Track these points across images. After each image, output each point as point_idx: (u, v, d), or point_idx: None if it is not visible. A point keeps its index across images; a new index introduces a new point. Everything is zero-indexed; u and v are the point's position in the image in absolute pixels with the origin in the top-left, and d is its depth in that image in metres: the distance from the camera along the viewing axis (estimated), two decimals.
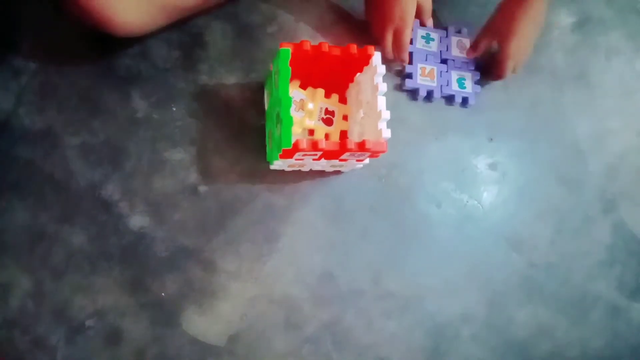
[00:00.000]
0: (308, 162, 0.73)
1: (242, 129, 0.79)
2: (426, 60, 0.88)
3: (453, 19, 0.93)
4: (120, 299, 0.72)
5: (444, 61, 0.89)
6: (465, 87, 0.88)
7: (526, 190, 0.90)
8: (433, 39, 0.89)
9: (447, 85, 0.87)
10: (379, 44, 0.83)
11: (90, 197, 0.73)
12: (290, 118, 0.64)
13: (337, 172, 0.81)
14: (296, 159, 0.70)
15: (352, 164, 0.76)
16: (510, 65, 0.86)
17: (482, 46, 0.88)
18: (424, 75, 0.86)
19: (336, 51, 0.69)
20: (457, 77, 0.88)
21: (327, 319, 0.78)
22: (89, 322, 0.71)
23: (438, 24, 0.91)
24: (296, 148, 0.64)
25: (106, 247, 0.73)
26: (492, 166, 0.89)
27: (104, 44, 0.77)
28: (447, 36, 0.90)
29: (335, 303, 0.78)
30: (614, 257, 0.92)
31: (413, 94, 0.87)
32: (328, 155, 0.69)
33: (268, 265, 0.77)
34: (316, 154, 0.68)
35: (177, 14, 0.75)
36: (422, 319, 0.81)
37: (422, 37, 0.88)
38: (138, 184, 0.75)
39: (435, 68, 0.87)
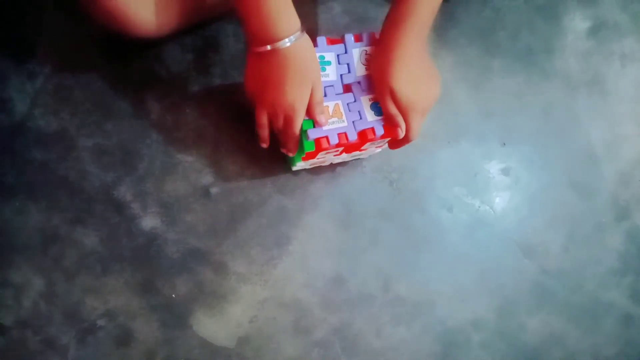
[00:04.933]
0: (329, 158, 0.74)
1: (254, 132, 0.79)
2: (325, 95, 0.65)
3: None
4: (131, 301, 0.72)
5: (347, 88, 0.66)
6: (382, 113, 0.66)
7: (538, 196, 0.89)
8: (329, 62, 0.65)
9: (361, 118, 0.65)
10: (259, 127, 0.67)
11: (103, 199, 0.74)
12: (310, 122, 0.64)
13: (342, 167, 0.82)
14: (318, 158, 0.71)
15: (371, 151, 0.77)
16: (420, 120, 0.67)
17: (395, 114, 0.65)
18: (329, 117, 0.65)
19: None
20: (369, 103, 0.66)
21: (337, 324, 0.78)
22: (100, 323, 0.71)
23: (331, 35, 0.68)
24: (319, 148, 0.64)
25: (118, 249, 0.73)
26: (505, 171, 0.88)
27: (119, 47, 0.77)
28: (345, 51, 0.66)
29: (345, 308, 0.78)
30: (626, 265, 0.91)
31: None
32: (349, 148, 0.69)
33: (278, 269, 0.77)
34: (337, 150, 0.68)
35: (195, 15, 0.74)
36: (432, 324, 0.81)
37: None
38: (150, 185, 0.75)
39: (339, 102, 0.65)
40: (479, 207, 0.86)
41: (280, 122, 0.63)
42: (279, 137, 0.69)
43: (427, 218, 0.84)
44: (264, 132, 0.67)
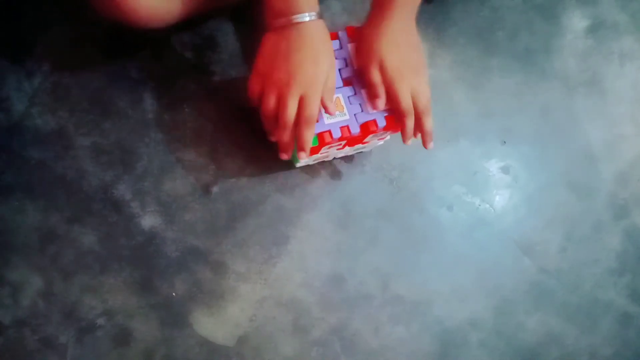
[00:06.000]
0: (332, 152, 0.74)
1: (253, 130, 0.79)
2: None
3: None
4: (130, 300, 0.72)
5: (346, 82, 0.67)
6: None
7: (537, 195, 0.89)
8: None
9: (362, 110, 0.66)
10: (266, 117, 0.63)
11: (101, 198, 0.73)
12: None
13: (341, 165, 0.82)
14: (321, 152, 0.71)
15: (374, 144, 0.77)
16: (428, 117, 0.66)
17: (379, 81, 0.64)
18: (335, 109, 0.65)
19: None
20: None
21: (336, 323, 0.78)
22: (98, 322, 0.71)
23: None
24: (322, 142, 0.64)
25: (116, 248, 0.73)
26: (505, 169, 0.89)
27: (117, 46, 0.77)
28: (340, 47, 0.67)
29: (343, 307, 0.78)
30: (624, 265, 0.91)
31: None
32: (351, 141, 0.69)
33: (277, 268, 0.77)
34: (340, 144, 0.68)
35: (197, 3, 0.73)
36: (430, 324, 0.81)
37: None
38: (149, 184, 0.75)
39: (340, 96, 0.66)
40: (479, 205, 0.86)
41: (293, 105, 0.59)
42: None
43: (426, 217, 0.84)
44: (271, 124, 0.64)
